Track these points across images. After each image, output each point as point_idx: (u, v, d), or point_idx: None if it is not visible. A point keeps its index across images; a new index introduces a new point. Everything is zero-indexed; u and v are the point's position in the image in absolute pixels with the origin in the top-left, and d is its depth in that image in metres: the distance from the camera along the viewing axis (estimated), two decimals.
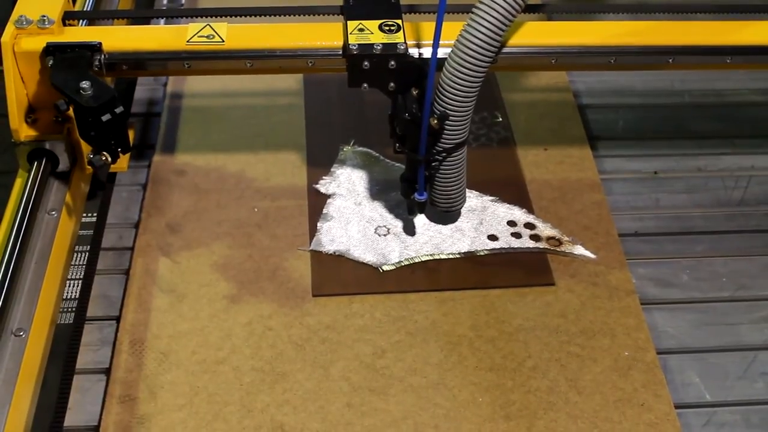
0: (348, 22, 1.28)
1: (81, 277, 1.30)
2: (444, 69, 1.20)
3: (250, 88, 1.65)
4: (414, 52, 1.27)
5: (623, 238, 1.40)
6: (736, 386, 1.23)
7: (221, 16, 1.33)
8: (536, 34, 1.30)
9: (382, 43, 1.24)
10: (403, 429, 1.14)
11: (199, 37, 1.28)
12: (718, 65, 1.34)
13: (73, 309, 1.26)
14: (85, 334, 1.25)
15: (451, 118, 1.22)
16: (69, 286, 1.29)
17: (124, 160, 1.40)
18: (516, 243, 1.37)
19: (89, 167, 1.24)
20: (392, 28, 1.26)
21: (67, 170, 1.31)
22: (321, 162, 1.50)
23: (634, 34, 1.31)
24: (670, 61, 1.31)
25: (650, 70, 1.59)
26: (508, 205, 1.43)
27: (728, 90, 1.71)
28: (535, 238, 1.38)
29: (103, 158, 1.21)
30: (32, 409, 1.09)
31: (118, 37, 1.30)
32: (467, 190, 1.40)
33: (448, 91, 1.20)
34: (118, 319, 1.26)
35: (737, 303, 1.33)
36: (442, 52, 1.18)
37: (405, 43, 1.25)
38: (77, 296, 1.28)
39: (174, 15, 1.52)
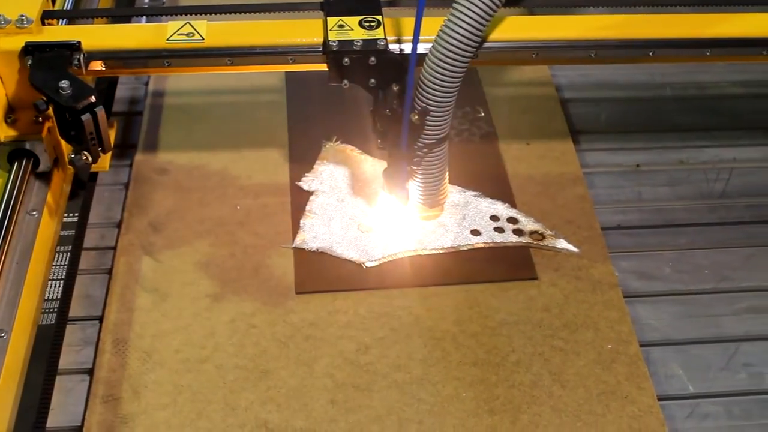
0: (328, 18, 1.27)
1: (63, 277, 1.30)
2: (425, 64, 1.19)
3: (233, 85, 1.65)
4: (395, 47, 1.26)
5: (606, 232, 1.40)
6: (719, 378, 1.23)
7: (201, 14, 1.32)
8: (517, 28, 1.30)
9: (362, 40, 1.24)
10: (387, 425, 1.15)
11: (179, 35, 1.27)
12: (698, 58, 1.34)
13: (55, 309, 1.25)
14: (68, 334, 1.24)
15: (432, 113, 1.22)
16: (51, 286, 1.28)
17: (105, 160, 1.39)
18: (499, 238, 1.37)
19: (70, 167, 1.23)
20: (372, 24, 1.26)
21: (47, 170, 1.31)
22: (303, 159, 1.50)
23: (615, 28, 1.31)
24: (651, 54, 1.31)
25: (631, 63, 1.60)
26: (490, 199, 1.43)
27: (709, 83, 1.71)
28: (518, 232, 1.38)
29: (84, 158, 1.20)
30: (14, 410, 1.09)
31: (97, 36, 1.29)
32: (450, 185, 1.40)
33: (428, 86, 1.20)
34: (100, 318, 1.26)
35: (719, 295, 1.34)
36: (423, 48, 1.18)
37: (385, 38, 1.24)
38: (59, 296, 1.27)
39: (154, 13, 1.50)
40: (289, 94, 1.63)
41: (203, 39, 1.27)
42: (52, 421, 1.15)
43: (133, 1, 1.85)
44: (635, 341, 1.24)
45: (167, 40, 1.27)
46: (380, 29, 1.25)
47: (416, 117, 1.21)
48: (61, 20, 1.36)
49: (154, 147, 1.52)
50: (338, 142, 1.52)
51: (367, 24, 1.25)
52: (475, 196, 1.44)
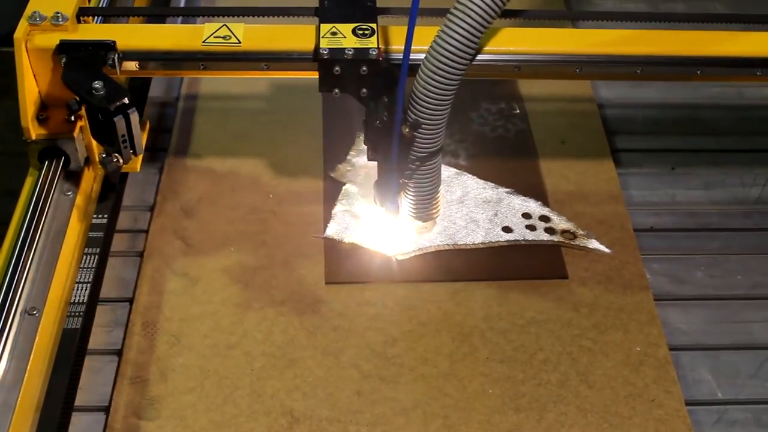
0: (321, 24, 1.23)
1: (95, 259, 1.30)
2: (417, 75, 1.14)
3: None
4: (388, 57, 1.21)
5: (638, 233, 1.39)
6: (748, 385, 1.22)
7: (238, 16, 1.29)
8: (560, 42, 1.26)
9: (353, 48, 1.19)
10: (412, 418, 1.15)
11: (215, 37, 1.24)
12: (750, 77, 1.29)
13: (87, 290, 1.26)
14: (98, 315, 1.26)
15: (424, 126, 1.18)
16: (83, 267, 1.28)
17: (136, 161, 1.37)
18: (530, 235, 1.37)
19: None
20: (366, 32, 1.21)
21: (78, 170, 1.28)
22: (337, 149, 1.50)
23: (662, 44, 1.26)
24: (699, 72, 1.26)
25: (677, 81, 1.54)
26: (523, 197, 1.43)
27: (748, 85, 1.69)
28: (549, 231, 1.38)
29: (114, 159, 1.19)
30: (44, 387, 1.10)
31: (132, 36, 1.26)
32: (483, 180, 1.39)
33: (421, 98, 1.15)
34: (131, 301, 1.27)
35: (751, 301, 1.32)
36: (418, 58, 1.13)
37: (378, 48, 1.19)
38: (91, 278, 1.28)
39: (191, 14, 1.47)
40: None
41: (240, 42, 1.24)
42: (80, 400, 1.16)
43: (169, 0, 1.82)
44: (664, 344, 1.24)
45: (203, 42, 1.24)
46: (373, 38, 1.20)
47: (407, 130, 1.17)
48: (96, 18, 1.32)
49: (188, 133, 1.53)
50: None
51: (361, 32, 1.21)
52: (507, 193, 1.43)
